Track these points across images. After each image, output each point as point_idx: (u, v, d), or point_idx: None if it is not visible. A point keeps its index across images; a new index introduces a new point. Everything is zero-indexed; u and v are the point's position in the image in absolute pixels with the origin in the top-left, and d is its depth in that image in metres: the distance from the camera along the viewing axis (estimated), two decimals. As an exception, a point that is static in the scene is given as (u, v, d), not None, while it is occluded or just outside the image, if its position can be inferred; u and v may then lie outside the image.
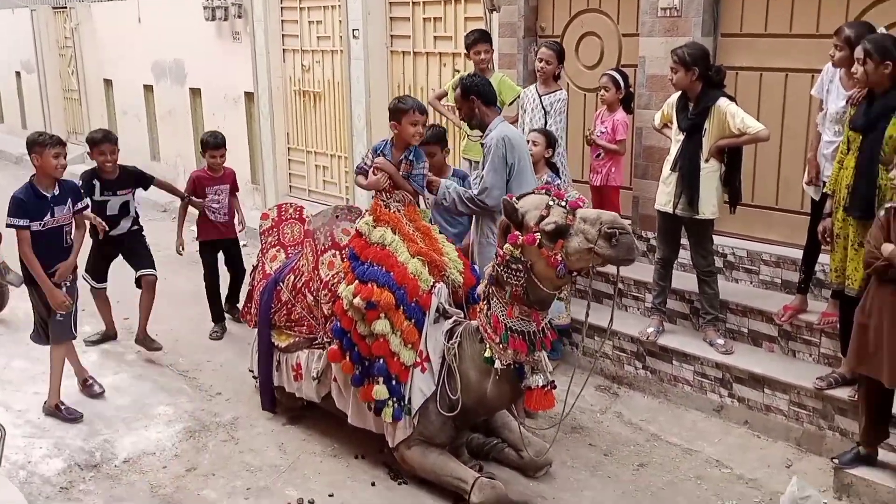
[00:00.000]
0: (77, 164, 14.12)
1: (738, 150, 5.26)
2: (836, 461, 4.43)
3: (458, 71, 7.52)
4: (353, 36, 8.55)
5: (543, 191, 4.01)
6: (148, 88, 12.69)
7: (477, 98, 4.83)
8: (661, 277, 5.57)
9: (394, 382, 4.31)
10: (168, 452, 4.88)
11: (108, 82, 13.80)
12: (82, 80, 14.03)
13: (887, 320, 3.99)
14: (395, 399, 4.33)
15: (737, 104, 5.13)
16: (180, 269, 7.76)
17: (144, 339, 6.15)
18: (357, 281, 4.36)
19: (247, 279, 6.15)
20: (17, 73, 16.82)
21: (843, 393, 4.71)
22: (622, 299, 6.09)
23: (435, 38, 8.06)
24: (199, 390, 5.72)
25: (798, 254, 5.33)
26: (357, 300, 4.28)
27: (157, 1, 12.06)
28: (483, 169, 4.86)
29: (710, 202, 5.22)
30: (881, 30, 4.69)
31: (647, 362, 5.58)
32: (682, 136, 5.25)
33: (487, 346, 4.08)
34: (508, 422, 4.76)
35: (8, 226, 5.01)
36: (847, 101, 4.70)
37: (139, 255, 6.25)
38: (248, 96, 10.51)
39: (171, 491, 4.48)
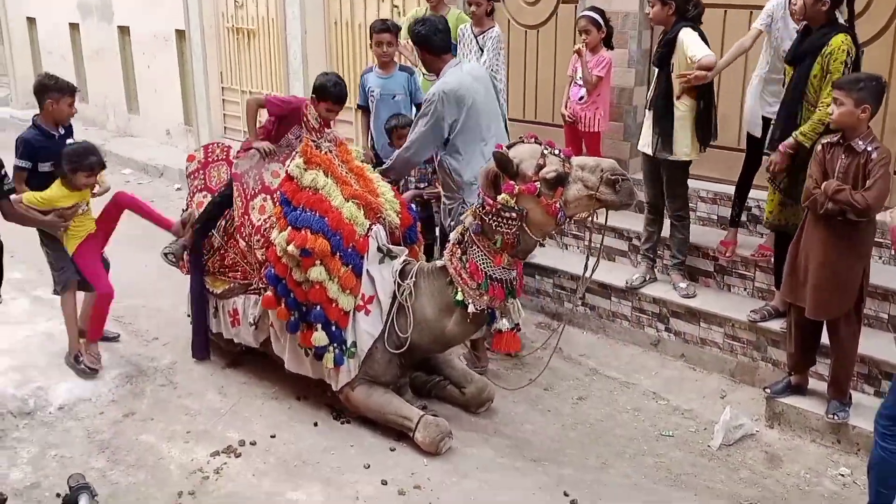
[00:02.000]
0: (2, 107, 13.62)
1: (709, 87, 5.03)
2: (767, 390, 4.57)
3: (396, 7, 7.35)
4: (288, -30, 8.30)
5: (532, 139, 4.05)
6: (74, 27, 12.18)
7: (423, 47, 4.77)
8: (650, 223, 5.41)
9: (333, 328, 4.26)
10: (104, 398, 4.78)
11: (31, 20, 13.20)
12: (4, 18, 13.37)
13: (814, 255, 4.09)
14: (335, 345, 4.29)
15: (702, 35, 4.96)
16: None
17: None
18: (290, 227, 4.24)
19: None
20: (-67, 12, 15.96)
21: (776, 325, 4.83)
22: (563, 239, 6.11)
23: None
24: (136, 336, 5.61)
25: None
26: (291, 248, 4.18)
27: (81, -67, 11.54)
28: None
29: (683, 143, 5.05)
30: None
31: (587, 299, 5.64)
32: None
33: (459, 289, 4.09)
34: (450, 359, 4.78)
35: (16, 168, 4.79)
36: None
37: None
38: (180, 34, 10.17)
39: (109, 437, 4.40)
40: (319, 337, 4.26)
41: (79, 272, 5.02)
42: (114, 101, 11.75)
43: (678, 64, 4.97)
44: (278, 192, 4.50)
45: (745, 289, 5.25)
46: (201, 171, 5.34)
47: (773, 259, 4.98)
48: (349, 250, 4.22)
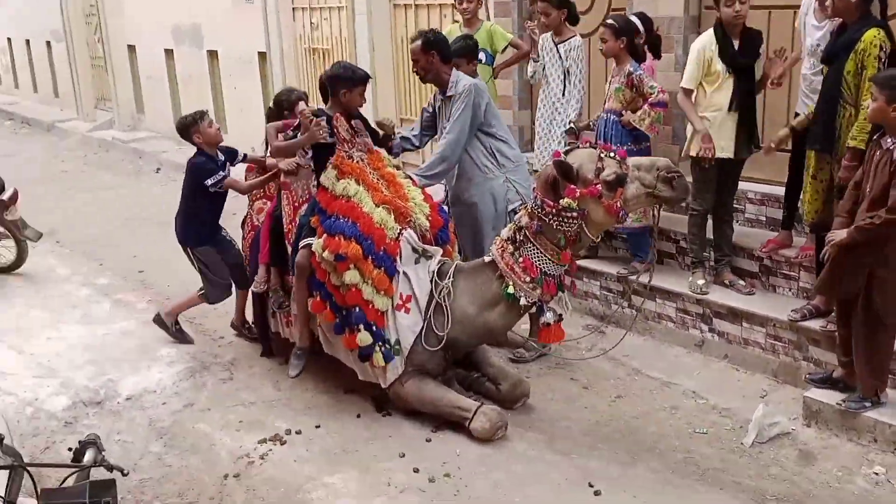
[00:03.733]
0: (105, 130, 14.54)
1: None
2: (809, 375, 4.58)
3: (457, 21, 7.59)
4: (357, -10, 8.68)
5: (587, 144, 4.38)
6: (168, 53, 12.94)
7: (437, 54, 5.01)
8: (700, 227, 5.37)
9: (374, 328, 4.47)
10: (168, 390, 5.16)
11: (131, 48, 14.08)
12: (108, 47, 14.31)
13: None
14: (380, 343, 4.49)
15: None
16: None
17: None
18: (325, 234, 4.47)
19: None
20: (48, 43, 17.21)
21: (816, 324, 4.79)
22: (612, 242, 6.18)
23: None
24: (204, 335, 5.98)
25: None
26: (326, 254, 4.42)
27: (175, -34, 12.28)
28: (448, 120, 5.06)
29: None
30: None
31: (633, 301, 5.69)
32: (730, 78, 5.04)
33: (510, 283, 4.34)
34: (488, 356, 4.94)
35: (212, 186, 5.21)
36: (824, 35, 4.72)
37: None
38: (262, 56, 10.69)
39: (168, 424, 4.75)
40: (363, 337, 4.47)
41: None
42: (206, 122, 12.40)
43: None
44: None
45: (789, 289, 5.21)
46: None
47: (815, 259, 4.93)
48: (381, 253, 4.44)
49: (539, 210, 4.24)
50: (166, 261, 7.26)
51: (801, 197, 4.98)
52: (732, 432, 4.54)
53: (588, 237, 4.31)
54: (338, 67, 4.89)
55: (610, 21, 5.48)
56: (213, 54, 11.85)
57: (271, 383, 5.22)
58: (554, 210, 4.16)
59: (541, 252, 4.29)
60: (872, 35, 4.29)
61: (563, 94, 5.81)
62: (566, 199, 4.12)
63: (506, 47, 6.40)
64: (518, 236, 4.37)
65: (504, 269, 4.37)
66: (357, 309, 4.45)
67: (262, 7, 10.20)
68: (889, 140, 3.91)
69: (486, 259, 4.55)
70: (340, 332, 4.58)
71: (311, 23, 9.85)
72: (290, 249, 4.91)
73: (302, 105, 5.31)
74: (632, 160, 4.18)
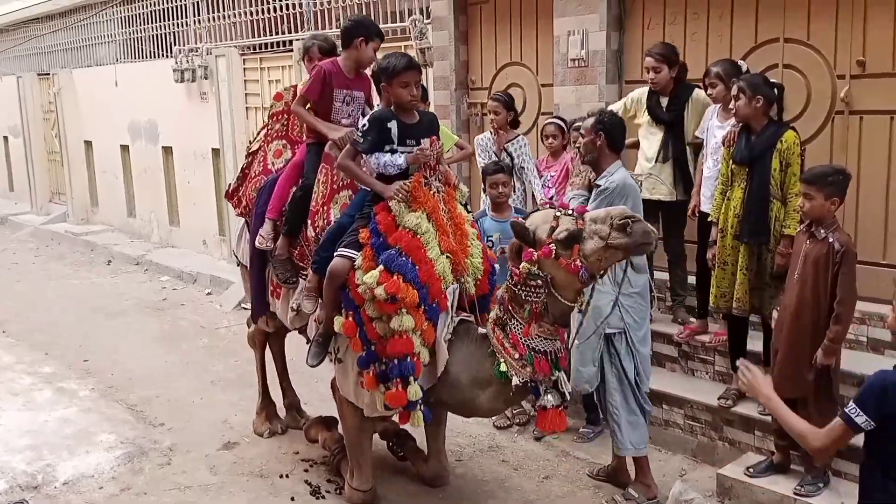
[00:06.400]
0: (58, 223, 14.68)
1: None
2: (751, 470, 4.69)
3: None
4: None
5: (547, 205, 4.20)
6: (124, 148, 13.26)
7: (606, 139, 4.63)
8: None
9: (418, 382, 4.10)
10: (106, 475, 5.22)
11: (88, 143, 14.39)
12: (64, 142, 14.59)
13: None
14: (420, 403, 4.12)
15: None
16: (147, 313, 8.18)
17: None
18: (382, 267, 4.02)
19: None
20: (5, 138, 17.47)
21: (753, 410, 4.99)
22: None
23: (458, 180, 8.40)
24: (144, 421, 6.07)
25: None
26: (380, 291, 3.95)
27: (133, 65, 12.74)
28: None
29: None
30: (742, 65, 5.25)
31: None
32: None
33: (502, 360, 4.02)
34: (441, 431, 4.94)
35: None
36: (723, 138, 5.13)
37: None
38: (215, 152, 11.03)
39: (104, 509, 4.83)
40: (415, 391, 4.05)
41: None
42: (158, 215, 12.63)
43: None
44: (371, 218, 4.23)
45: (706, 372, 5.52)
46: (284, 116, 5.17)
47: (727, 344, 5.26)
48: (433, 305, 4.08)
49: (509, 280, 4.01)
50: (111, 349, 7.37)
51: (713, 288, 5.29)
52: (653, 510, 4.75)
53: (562, 304, 3.92)
54: (383, 59, 4.36)
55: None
56: (167, 150, 12.18)
57: (208, 468, 5.31)
58: (521, 279, 3.91)
59: (521, 325, 3.98)
60: (793, 136, 4.75)
61: (515, 191, 5.97)
62: (523, 264, 3.87)
63: (450, 148, 6.75)
64: (503, 311, 4.08)
65: (495, 343, 4.05)
66: (408, 360, 4.01)
67: (217, 105, 10.59)
68: (823, 231, 4.28)
69: (481, 331, 4.22)
70: (365, 366, 4.14)
71: (263, 121, 10.22)
72: (313, 232, 4.55)
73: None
74: (589, 214, 3.90)
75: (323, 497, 4.87)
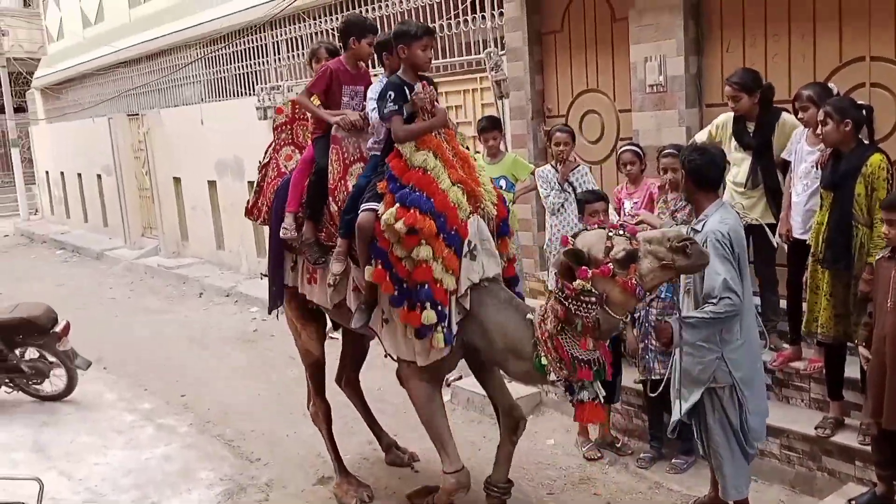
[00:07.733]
0: (150, 256, 15.25)
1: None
2: (853, 502, 4.61)
3: (479, 152, 8.09)
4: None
5: (595, 226, 4.40)
6: (212, 184, 13.71)
7: (691, 179, 4.46)
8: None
9: (439, 308, 4.30)
10: (208, 512, 5.42)
11: (177, 180, 14.93)
12: (154, 179, 15.18)
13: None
14: (443, 325, 4.33)
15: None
16: (238, 345, 8.43)
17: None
18: (398, 205, 4.28)
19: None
20: (98, 176, 18.26)
21: (853, 440, 4.88)
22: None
23: (457, 124, 8.67)
24: (241, 457, 6.25)
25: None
26: (399, 225, 4.22)
27: (217, 104, 13.19)
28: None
29: None
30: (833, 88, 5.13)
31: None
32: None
33: (543, 355, 4.20)
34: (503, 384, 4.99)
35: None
36: (816, 161, 5.04)
37: None
38: (298, 186, 11.29)
39: (206, 544, 5.00)
40: (429, 315, 4.27)
41: None
42: (246, 247, 13.00)
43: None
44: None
45: (801, 400, 5.39)
46: (288, 126, 5.44)
47: (824, 371, 5.13)
48: (452, 233, 4.30)
49: (560, 294, 4.11)
50: (206, 382, 7.61)
51: (805, 313, 5.19)
52: (751, 543, 4.65)
53: (613, 320, 4.06)
54: (398, 25, 4.64)
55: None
56: (252, 185, 12.51)
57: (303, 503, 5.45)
58: (573, 293, 4.02)
59: (570, 336, 4.12)
60: (879, 159, 4.64)
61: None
62: (578, 281, 3.98)
63: (527, 176, 6.81)
64: (554, 323, 4.17)
65: (539, 337, 4.23)
66: (426, 286, 4.26)
67: (298, 141, 10.87)
68: None
69: (528, 316, 4.38)
70: (399, 304, 4.38)
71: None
72: (336, 206, 4.77)
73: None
74: (642, 235, 4.05)
75: (417, 531, 4.94)
